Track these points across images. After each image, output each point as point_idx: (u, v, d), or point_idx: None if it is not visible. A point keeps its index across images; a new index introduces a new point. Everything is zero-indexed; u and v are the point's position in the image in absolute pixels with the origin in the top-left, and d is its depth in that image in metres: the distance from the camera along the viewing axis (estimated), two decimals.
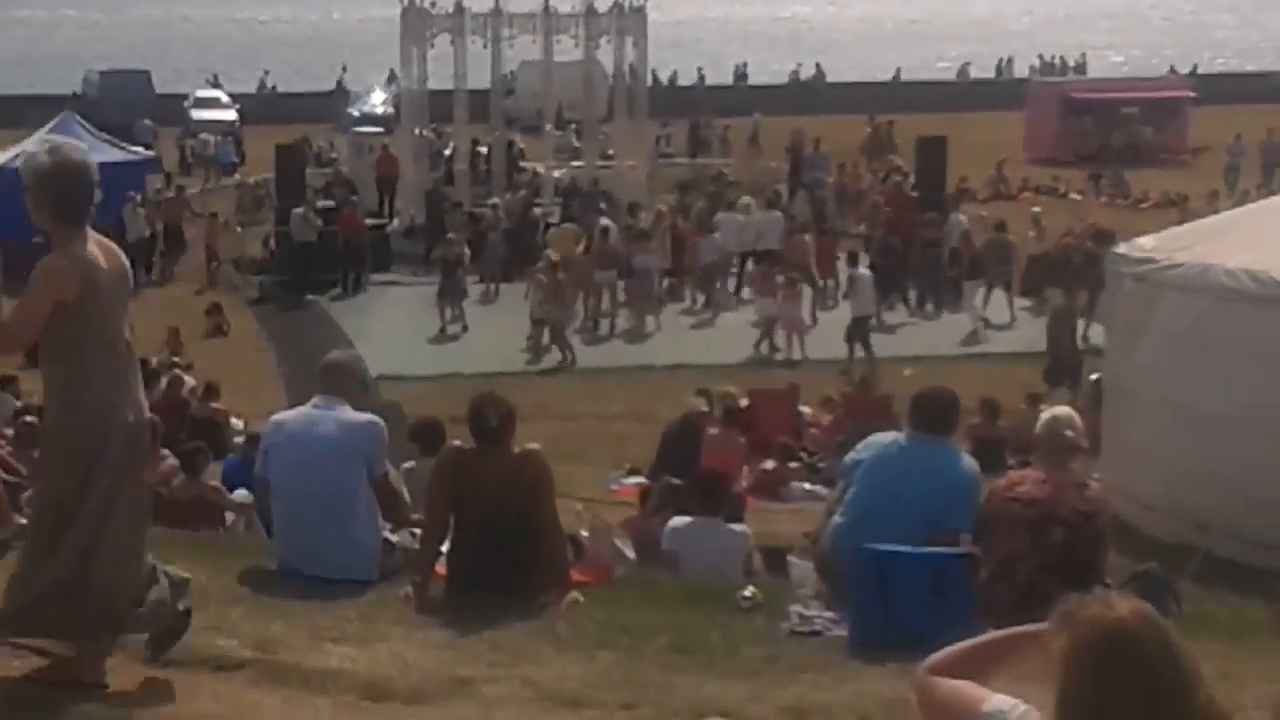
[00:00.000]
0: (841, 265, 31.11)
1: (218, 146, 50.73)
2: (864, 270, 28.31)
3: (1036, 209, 34.29)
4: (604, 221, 32.02)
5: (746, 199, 34.29)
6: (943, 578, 7.91)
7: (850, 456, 8.87)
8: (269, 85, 73.62)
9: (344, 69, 73.71)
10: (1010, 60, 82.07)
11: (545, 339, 27.64)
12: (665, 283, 31.21)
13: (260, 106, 62.79)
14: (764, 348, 27.54)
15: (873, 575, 7.91)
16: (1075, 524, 7.92)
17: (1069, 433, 8.26)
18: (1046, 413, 8.59)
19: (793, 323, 27.50)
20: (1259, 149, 44.82)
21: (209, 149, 50.40)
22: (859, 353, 26.51)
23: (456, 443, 8.76)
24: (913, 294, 30.92)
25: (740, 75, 78.46)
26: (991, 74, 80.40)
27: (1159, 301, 15.47)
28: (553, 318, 27.62)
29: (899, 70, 79.62)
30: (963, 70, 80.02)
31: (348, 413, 8.49)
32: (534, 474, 8.33)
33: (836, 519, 8.61)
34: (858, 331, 26.96)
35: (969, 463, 8.55)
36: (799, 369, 25.42)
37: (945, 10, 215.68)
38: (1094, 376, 17.87)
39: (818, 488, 17.88)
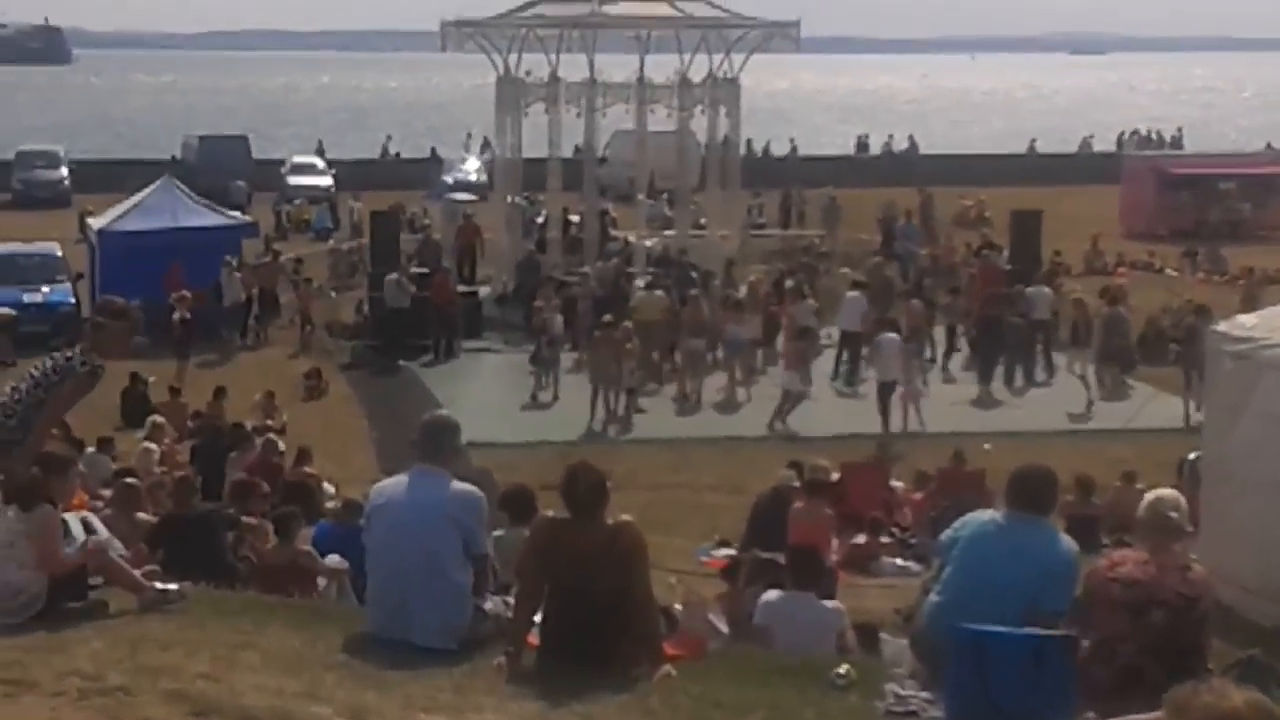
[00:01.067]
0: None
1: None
2: (890, 335, 28.01)
3: (1121, 282, 34.05)
4: (694, 290, 32.08)
5: (844, 270, 34.24)
6: (1042, 658, 7.79)
7: (946, 534, 8.77)
8: (390, 151, 74.04)
9: (468, 135, 74.54)
10: (1090, 137, 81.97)
11: (598, 400, 27.68)
12: (759, 353, 31.11)
13: (356, 173, 63.46)
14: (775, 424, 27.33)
15: (971, 655, 7.80)
16: (1178, 607, 7.79)
17: (1173, 514, 8.14)
18: (1150, 494, 8.45)
19: (910, 392, 27.30)
20: None
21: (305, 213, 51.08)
22: (901, 421, 26.64)
23: (550, 513, 8.74)
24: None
25: (862, 146, 78.54)
26: (1076, 149, 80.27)
27: (1259, 381, 15.25)
28: (604, 378, 27.72)
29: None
30: (1030, 147, 79.57)
31: (449, 482, 8.49)
32: (628, 546, 8.28)
33: (933, 597, 8.51)
34: (883, 397, 26.93)
35: (1068, 543, 8.44)
36: (893, 443, 25.23)
37: (1035, 83, 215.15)
38: (1192, 455, 17.62)
39: (909, 563, 17.75)
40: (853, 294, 30.69)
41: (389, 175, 62.60)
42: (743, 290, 32.96)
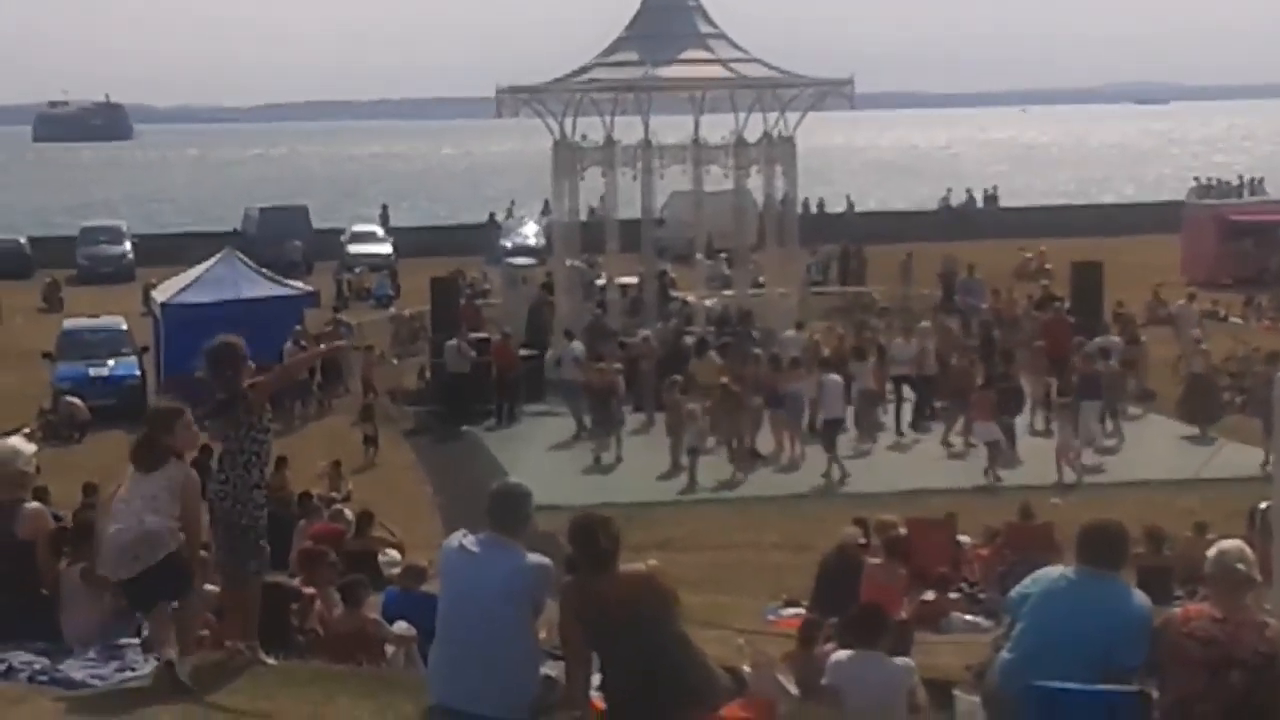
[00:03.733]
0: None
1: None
2: (833, 376, 29.16)
3: (1196, 332, 33.84)
4: (756, 349, 32.08)
5: (925, 324, 34.16)
6: (1116, 716, 7.71)
7: (1017, 590, 8.69)
8: (497, 219, 70.39)
9: (512, 203, 74.18)
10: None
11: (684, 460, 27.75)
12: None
13: (415, 240, 63.84)
14: (990, 475, 27.31)
15: (1044, 713, 7.73)
16: (1255, 666, 7.68)
17: (1240, 566, 8.04)
18: (1215, 547, 8.34)
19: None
20: None
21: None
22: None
23: (566, 578, 8.71)
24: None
25: (990, 198, 78.33)
26: (1142, 198, 79.97)
27: None
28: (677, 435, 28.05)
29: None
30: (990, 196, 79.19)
31: (519, 554, 8.46)
32: (659, 593, 8.25)
33: (1005, 654, 8.43)
34: (828, 436, 28.01)
35: (1141, 598, 8.34)
36: (957, 498, 25.05)
37: (1087, 134, 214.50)
38: (1263, 505, 17.41)
39: (979, 619, 17.60)
40: (831, 377, 29.46)
41: (448, 242, 62.94)
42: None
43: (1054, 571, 8.60)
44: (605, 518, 8.51)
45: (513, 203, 74.66)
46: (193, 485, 9.64)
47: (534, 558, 8.50)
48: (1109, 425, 29.97)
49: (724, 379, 29.40)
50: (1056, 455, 27.40)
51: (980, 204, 76.98)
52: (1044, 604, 8.31)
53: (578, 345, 33.25)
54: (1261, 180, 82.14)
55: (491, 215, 70.42)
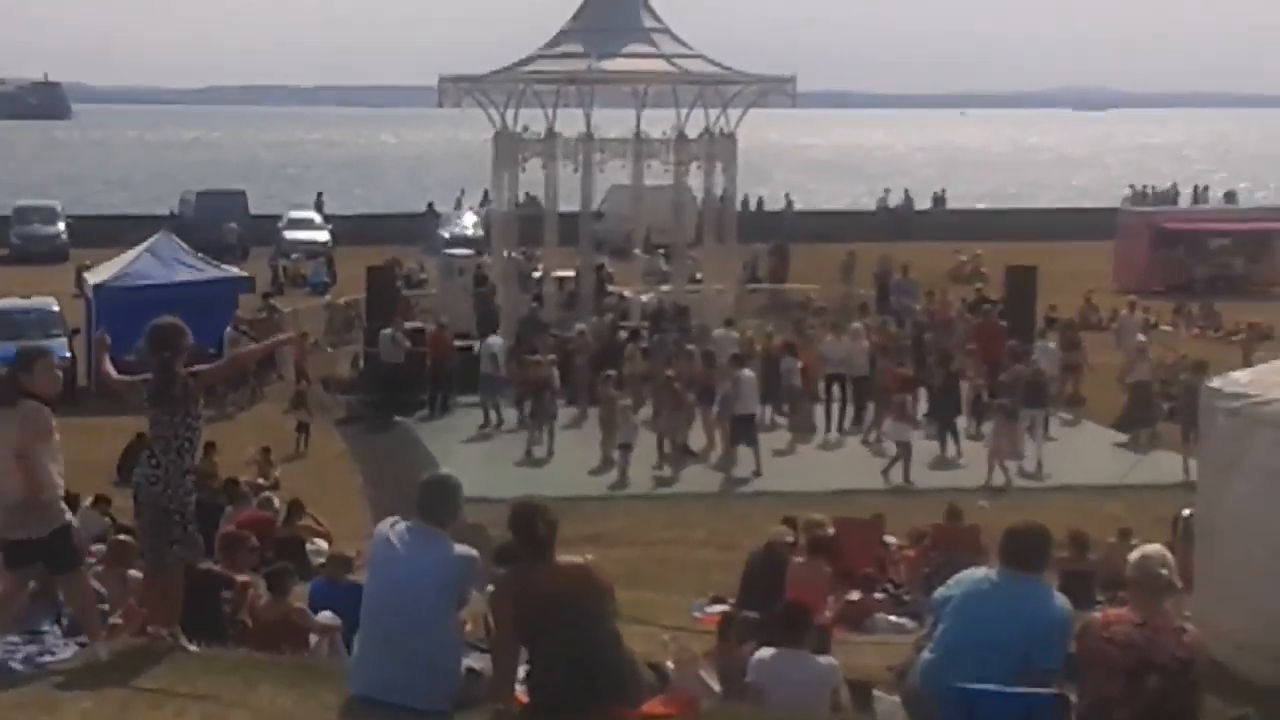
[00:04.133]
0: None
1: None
2: (746, 371, 29.00)
3: (1142, 338, 34.17)
4: (689, 345, 32.14)
5: (857, 324, 34.30)
6: (1033, 718, 7.79)
7: (940, 592, 8.77)
8: (436, 208, 68.70)
9: (461, 192, 73.97)
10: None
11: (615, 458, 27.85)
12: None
13: (353, 227, 63.58)
14: (894, 475, 27.46)
15: (962, 714, 7.81)
16: (1173, 671, 7.78)
17: (1162, 571, 8.14)
18: (1138, 551, 8.44)
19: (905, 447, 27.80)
20: None
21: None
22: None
23: (498, 570, 8.71)
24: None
25: (939, 200, 78.72)
26: (1077, 204, 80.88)
27: (1253, 437, 15.23)
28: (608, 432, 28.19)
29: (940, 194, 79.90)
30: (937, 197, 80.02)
31: (447, 546, 8.48)
32: (597, 587, 8.27)
33: (926, 655, 8.51)
34: (742, 431, 28.10)
35: (1061, 601, 8.44)
36: (885, 499, 25.18)
37: (1022, 138, 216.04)
38: (1185, 512, 17.61)
39: (903, 620, 17.68)
40: (745, 373, 29.20)
41: (386, 230, 62.74)
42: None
43: (977, 573, 8.69)
44: (543, 505, 8.52)
45: (462, 191, 74.37)
46: (35, 419, 9.55)
47: (461, 549, 8.53)
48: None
49: (669, 373, 29.39)
50: (989, 458, 27.60)
51: (929, 205, 77.56)
52: (966, 605, 8.39)
53: (496, 340, 33.19)
54: (1206, 189, 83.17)
55: (430, 205, 70.16)
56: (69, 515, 9.63)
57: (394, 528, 8.61)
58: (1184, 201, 77.04)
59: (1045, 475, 27.81)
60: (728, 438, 28.73)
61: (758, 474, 27.69)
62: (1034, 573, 8.52)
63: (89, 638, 9.54)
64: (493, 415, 31.50)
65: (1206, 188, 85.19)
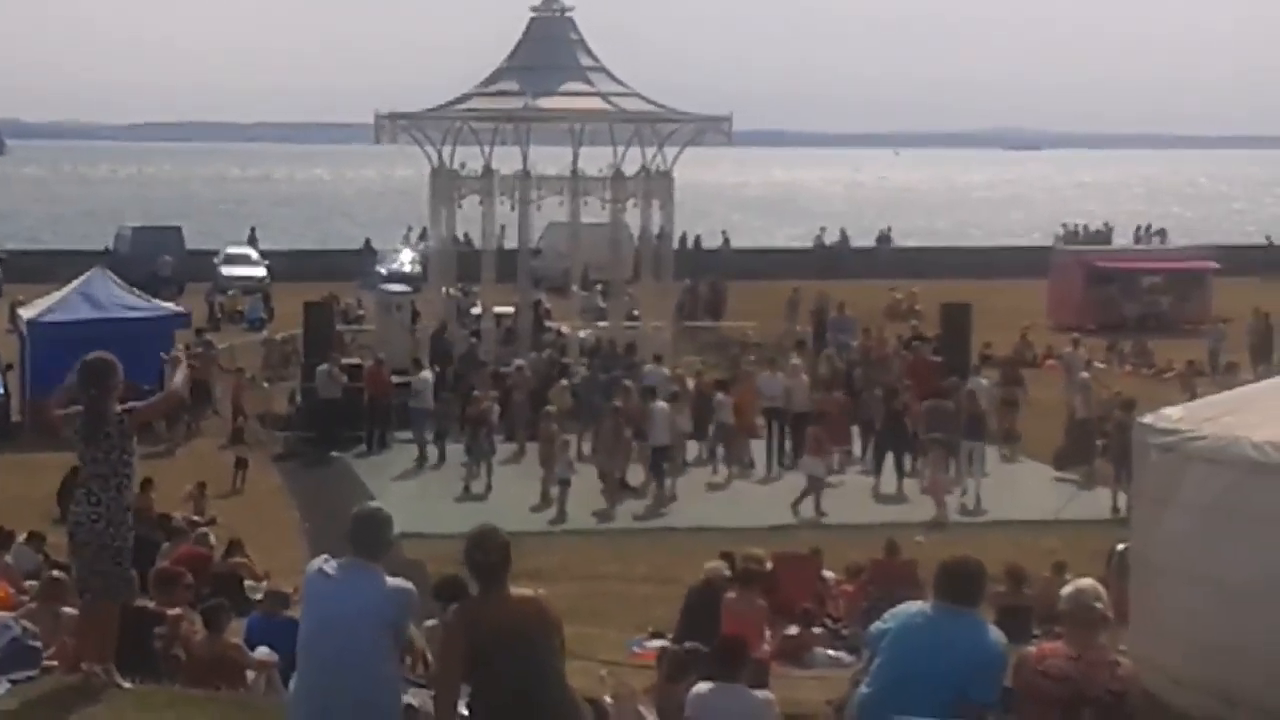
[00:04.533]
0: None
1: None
2: (660, 404, 29.62)
3: (1085, 375, 34.46)
4: (648, 378, 32.19)
5: (795, 360, 34.49)
6: None
7: (876, 626, 8.80)
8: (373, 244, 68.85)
9: (409, 229, 73.16)
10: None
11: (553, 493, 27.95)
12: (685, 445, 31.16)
13: (290, 263, 63.35)
14: (806, 509, 27.51)
15: None
16: (1106, 704, 7.83)
17: (1096, 604, 8.19)
18: (1071, 585, 8.48)
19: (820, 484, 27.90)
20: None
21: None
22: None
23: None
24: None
25: (884, 238, 79.43)
26: (1011, 243, 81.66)
27: (1186, 473, 15.38)
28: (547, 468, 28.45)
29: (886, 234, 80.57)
30: (882, 236, 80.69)
31: (381, 579, 8.43)
32: (548, 621, 8.20)
33: (863, 689, 8.53)
34: (657, 462, 28.77)
35: (996, 635, 8.48)
36: (823, 534, 25.25)
37: (956, 178, 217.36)
38: (1120, 546, 17.75)
39: (841, 654, 17.76)
40: (659, 405, 29.83)
41: (323, 266, 62.55)
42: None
43: (913, 607, 8.72)
44: (497, 530, 8.41)
45: (409, 229, 73.73)
46: None
47: (396, 582, 8.49)
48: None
49: (616, 404, 29.39)
50: (931, 492, 27.74)
51: (873, 243, 78.04)
52: (902, 639, 8.42)
53: (426, 375, 33.12)
54: (1149, 228, 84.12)
55: (368, 241, 69.99)
56: None
57: (327, 563, 8.54)
58: (1125, 240, 77.99)
59: (982, 510, 28.01)
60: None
61: (673, 499, 28.20)
62: (969, 607, 8.54)
63: None
64: (429, 450, 31.45)
65: (1149, 226, 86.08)
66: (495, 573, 8.17)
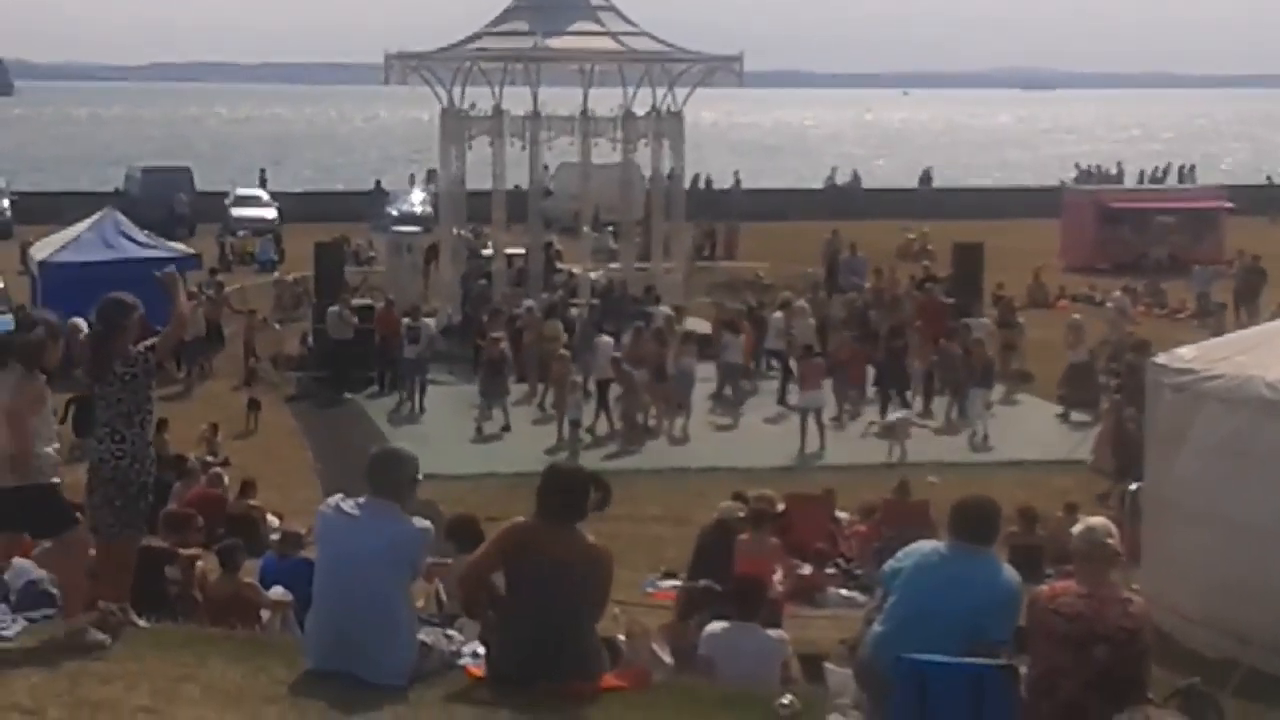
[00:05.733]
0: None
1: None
2: (604, 337, 30.40)
3: (1076, 316, 34.36)
4: (638, 322, 32.18)
5: (800, 302, 34.50)
6: (983, 689, 7.83)
7: (890, 564, 8.81)
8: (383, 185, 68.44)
9: (412, 176, 72.88)
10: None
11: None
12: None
13: (300, 205, 63.28)
14: (812, 443, 27.76)
15: (912, 685, 7.84)
16: (1119, 641, 7.84)
17: (1108, 541, 8.18)
18: (1082, 523, 8.48)
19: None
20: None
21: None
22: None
23: (520, 519, 8.64)
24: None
25: (925, 178, 79.64)
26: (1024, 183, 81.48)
27: (1198, 412, 15.41)
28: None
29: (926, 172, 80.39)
30: (925, 176, 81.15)
31: (399, 521, 8.43)
32: (608, 570, 8.27)
33: (876, 627, 8.55)
34: (601, 393, 29.24)
35: (1010, 573, 8.49)
36: (836, 474, 25.28)
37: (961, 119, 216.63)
38: (1133, 487, 17.77)
39: (854, 594, 17.80)
40: (602, 338, 30.77)
41: (334, 207, 62.48)
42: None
43: (927, 546, 8.73)
44: (581, 470, 8.59)
45: (413, 175, 73.45)
46: (29, 387, 9.51)
47: (417, 521, 8.50)
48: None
49: (616, 356, 29.41)
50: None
51: (916, 184, 78.19)
52: (916, 577, 8.44)
53: (430, 321, 33.08)
54: (1193, 168, 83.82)
55: (378, 182, 69.84)
56: (57, 480, 9.57)
57: (344, 502, 8.55)
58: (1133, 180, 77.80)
59: (992, 449, 27.99)
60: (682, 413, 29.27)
61: (685, 440, 28.58)
62: (983, 545, 8.56)
63: (67, 613, 9.46)
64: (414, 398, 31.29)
65: (1168, 166, 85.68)
66: (572, 511, 8.20)
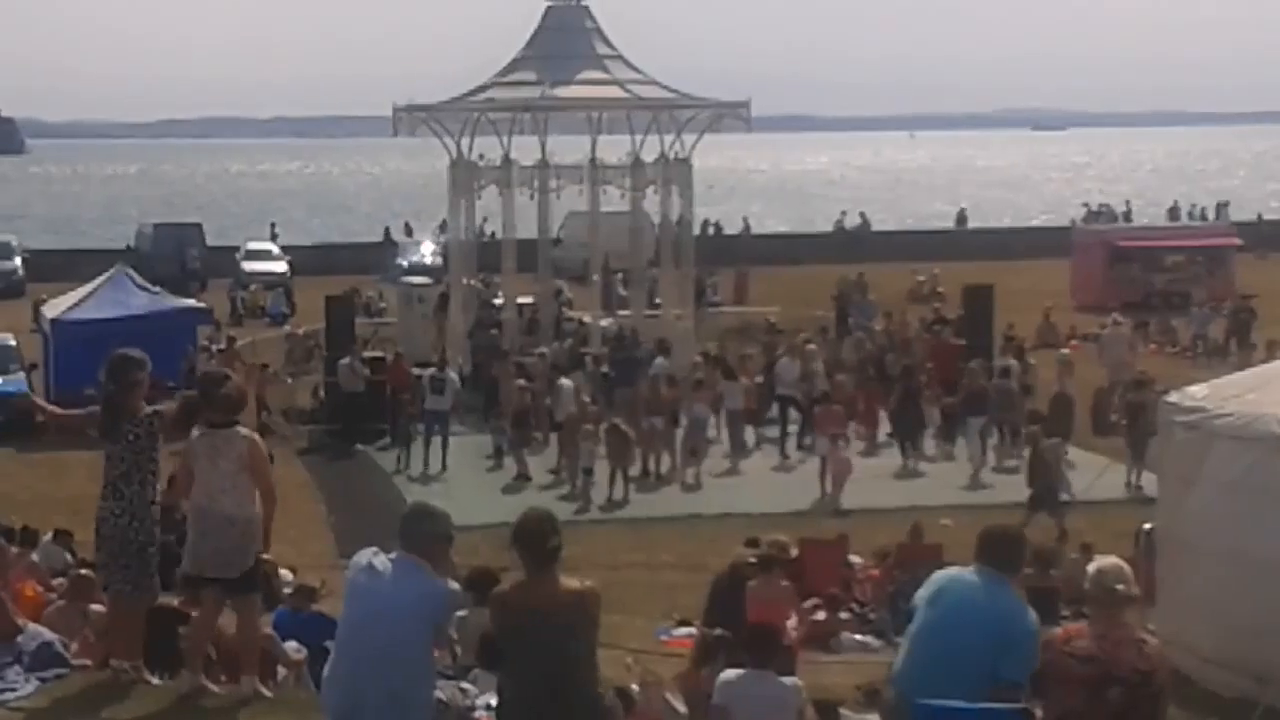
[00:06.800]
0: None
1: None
2: (564, 381, 31.00)
3: (1065, 352, 34.43)
4: (655, 370, 32.17)
5: (811, 346, 34.53)
6: None
7: (921, 592, 8.82)
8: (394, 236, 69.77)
9: (406, 224, 73.26)
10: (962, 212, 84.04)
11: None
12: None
13: (311, 257, 63.44)
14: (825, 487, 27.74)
15: None
16: (1134, 683, 7.81)
17: (1120, 586, 8.15)
18: (1093, 566, 8.43)
19: (841, 465, 27.84)
20: None
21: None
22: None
23: (498, 589, 8.62)
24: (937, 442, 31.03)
25: (961, 219, 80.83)
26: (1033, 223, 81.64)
27: (1211, 450, 15.37)
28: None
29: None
30: (960, 216, 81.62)
31: (427, 579, 8.37)
32: (594, 614, 8.21)
33: (900, 658, 8.56)
34: (569, 434, 29.22)
35: (1032, 616, 8.48)
36: (848, 519, 25.23)
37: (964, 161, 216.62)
38: (1147, 526, 17.71)
39: (869, 639, 17.75)
40: (564, 382, 31.33)
41: (344, 260, 62.64)
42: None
43: (954, 569, 8.79)
44: (549, 515, 8.38)
45: (407, 224, 73.65)
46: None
47: (447, 583, 8.44)
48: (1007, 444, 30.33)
49: (615, 421, 29.24)
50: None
51: (952, 225, 78.45)
52: (945, 592, 8.49)
53: (452, 373, 33.07)
54: (1226, 205, 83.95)
55: (387, 233, 70.02)
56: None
57: (376, 557, 8.50)
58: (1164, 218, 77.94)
59: (1000, 489, 27.89)
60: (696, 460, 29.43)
61: (698, 486, 28.77)
62: (1009, 572, 8.61)
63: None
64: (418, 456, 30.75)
65: (1227, 203, 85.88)
66: (547, 559, 8.15)
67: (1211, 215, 77.77)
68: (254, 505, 9.98)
